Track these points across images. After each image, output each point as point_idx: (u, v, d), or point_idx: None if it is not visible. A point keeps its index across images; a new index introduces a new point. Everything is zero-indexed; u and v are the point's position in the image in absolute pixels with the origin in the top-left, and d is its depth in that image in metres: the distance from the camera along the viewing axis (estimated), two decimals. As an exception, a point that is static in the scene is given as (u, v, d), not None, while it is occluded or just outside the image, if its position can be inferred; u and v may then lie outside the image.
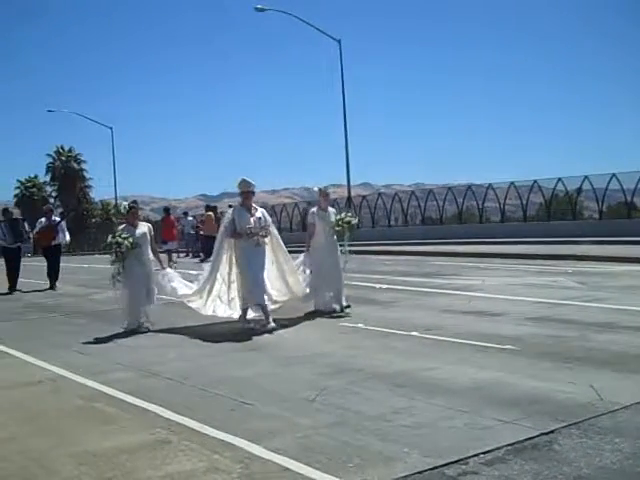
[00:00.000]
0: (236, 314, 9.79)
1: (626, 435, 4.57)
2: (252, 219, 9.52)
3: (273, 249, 10.00)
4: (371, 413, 5.35)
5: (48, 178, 70.77)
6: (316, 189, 10.99)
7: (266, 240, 9.70)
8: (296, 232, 38.19)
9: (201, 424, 5.22)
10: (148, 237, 9.88)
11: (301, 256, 10.66)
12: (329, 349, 7.92)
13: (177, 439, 4.95)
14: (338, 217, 10.62)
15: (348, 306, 10.51)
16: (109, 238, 9.50)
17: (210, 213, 25.95)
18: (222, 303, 9.96)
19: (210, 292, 9.90)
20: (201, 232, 26.35)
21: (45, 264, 17.28)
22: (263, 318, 9.49)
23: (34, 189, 69.79)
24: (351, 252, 10.91)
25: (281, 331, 9.21)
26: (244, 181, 9.74)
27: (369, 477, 4.15)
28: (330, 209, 10.89)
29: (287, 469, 4.31)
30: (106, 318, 11.42)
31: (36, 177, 71.31)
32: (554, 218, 29.22)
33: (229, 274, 9.83)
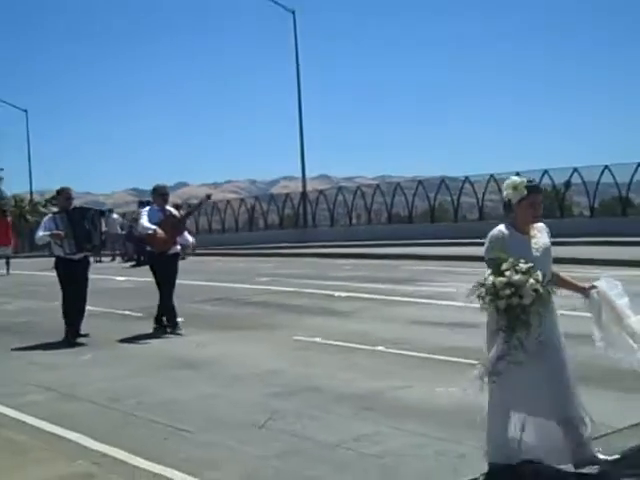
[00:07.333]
0: None
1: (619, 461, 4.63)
2: None
3: None
4: (329, 440, 5.36)
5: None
6: None
7: None
8: (243, 232, 38.07)
9: (130, 454, 5.18)
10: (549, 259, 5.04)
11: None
12: (280, 367, 7.91)
13: (102, 472, 4.90)
14: None
15: None
16: (489, 278, 4.67)
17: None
18: None
19: None
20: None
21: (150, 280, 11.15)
22: None
23: None
24: None
25: (225, 345, 9.14)
26: None
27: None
28: None
29: (230, 505, 4.30)
30: (19, 332, 11.25)
31: None
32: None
33: None
